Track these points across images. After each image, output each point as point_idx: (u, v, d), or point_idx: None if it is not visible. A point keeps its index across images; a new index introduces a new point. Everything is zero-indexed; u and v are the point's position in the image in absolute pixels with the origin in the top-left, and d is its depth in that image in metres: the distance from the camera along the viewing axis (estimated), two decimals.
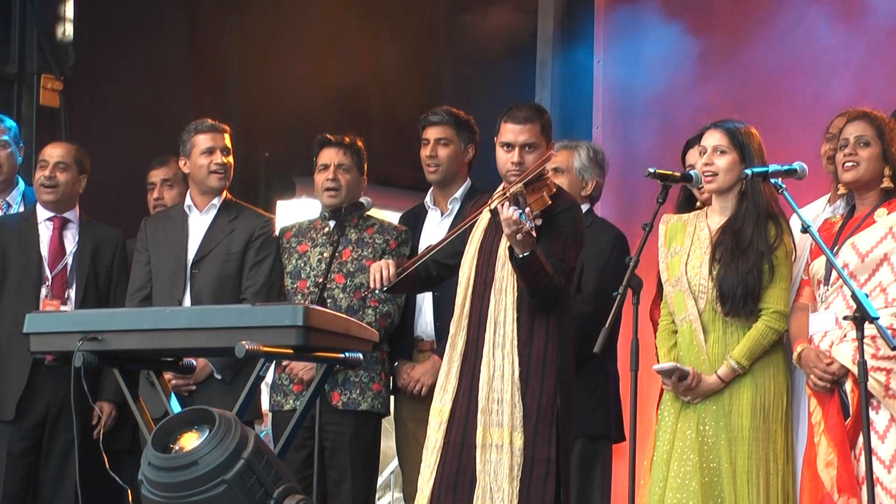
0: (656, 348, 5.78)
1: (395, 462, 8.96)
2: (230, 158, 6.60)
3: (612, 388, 6.36)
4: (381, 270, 5.66)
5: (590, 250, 6.00)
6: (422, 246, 6.45)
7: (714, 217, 5.67)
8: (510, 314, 5.59)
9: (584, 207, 6.44)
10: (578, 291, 6.19)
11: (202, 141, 6.57)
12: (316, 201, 6.73)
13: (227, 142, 6.60)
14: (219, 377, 6.40)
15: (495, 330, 5.60)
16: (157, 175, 7.15)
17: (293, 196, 8.65)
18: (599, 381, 6.25)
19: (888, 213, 5.48)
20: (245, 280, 6.50)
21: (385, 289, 5.71)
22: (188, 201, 6.68)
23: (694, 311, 5.55)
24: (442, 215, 6.65)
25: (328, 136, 6.57)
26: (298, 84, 8.15)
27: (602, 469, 6.34)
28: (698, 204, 5.89)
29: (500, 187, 5.74)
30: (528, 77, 8.80)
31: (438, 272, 5.83)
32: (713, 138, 5.61)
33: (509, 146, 5.70)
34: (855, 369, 5.23)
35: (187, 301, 6.44)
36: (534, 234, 5.35)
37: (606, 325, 5.12)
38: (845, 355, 5.34)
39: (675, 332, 5.66)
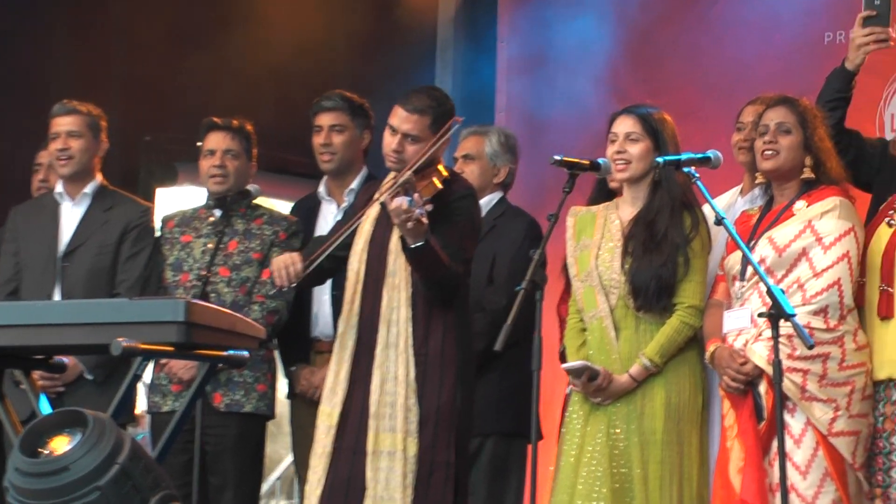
0: (563, 346, 5.73)
1: (281, 468, 9.20)
2: (79, 142, 6.41)
3: (526, 384, 6.18)
4: (288, 267, 5.57)
5: (502, 240, 6.00)
6: None
7: (625, 208, 5.64)
8: (404, 311, 5.50)
9: (497, 196, 6.45)
10: (490, 283, 6.14)
11: (52, 125, 6.45)
12: (199, 189, 6.65)
13: (80, 125, 6.41)
14: (90, 377, 6.24)
15: (388, 328, 5.51)
16: (45, 157, 6.92)
17: (175, 183, 8.57)
18: (513, 377, 6.14)
19: (807, 206, 5.42)
20: (119, 273, 6.35)
21: (294, 285, 5.62)
22: (59, 188, 6.53)
23: (605, 308, 5.51)
24: (338, 207, 6.53)
25: (215, 119, 6.44)
26: (183, 64, 8.07)
27: (517, 468, 6.27)
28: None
29: (390, 176, 5.66)
30: (428, 59, 8.85)
31: (329, 264, 5.69)
32: (625, 125, 5.58)
33: (394, 130, 5.63)
34: (770, 369, 5.16)
35: (57, 296, 6.32)
36: (424, 220, 5.26)
37: (508, 321, 5.03)
38: (760, 355, 5.27)
39: (584, 329, 5.63)
